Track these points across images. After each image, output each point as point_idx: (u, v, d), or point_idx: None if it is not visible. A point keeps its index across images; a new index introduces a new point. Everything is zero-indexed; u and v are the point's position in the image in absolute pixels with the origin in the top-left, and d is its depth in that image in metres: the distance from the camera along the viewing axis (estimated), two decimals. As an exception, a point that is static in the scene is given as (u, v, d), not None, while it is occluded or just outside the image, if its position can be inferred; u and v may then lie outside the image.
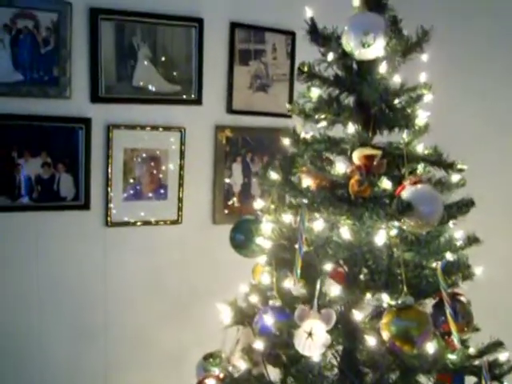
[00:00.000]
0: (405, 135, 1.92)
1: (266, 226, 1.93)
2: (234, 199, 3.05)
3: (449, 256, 1.91)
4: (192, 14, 2.85)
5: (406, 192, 1.65)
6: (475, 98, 3.05)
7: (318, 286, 1.72)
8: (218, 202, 3.01)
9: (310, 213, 1.75)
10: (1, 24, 2.46)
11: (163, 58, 2.82)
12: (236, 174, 3.04)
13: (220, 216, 3.01)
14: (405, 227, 1.68)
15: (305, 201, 1.80)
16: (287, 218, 1.90)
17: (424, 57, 1.94)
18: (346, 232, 1.81)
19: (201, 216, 3.01)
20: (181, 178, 2.90)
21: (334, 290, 1.77)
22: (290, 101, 3.13)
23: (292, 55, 3.12)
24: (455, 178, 1.95)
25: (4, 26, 2.47)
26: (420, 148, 1.96)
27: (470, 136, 2.98)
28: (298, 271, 1.70)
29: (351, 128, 1.80)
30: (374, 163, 1.78)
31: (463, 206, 1.83)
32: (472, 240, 1.93)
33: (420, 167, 1.98)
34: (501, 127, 3.01)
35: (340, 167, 1.81)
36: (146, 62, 2.79)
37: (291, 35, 3.09)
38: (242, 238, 2.00)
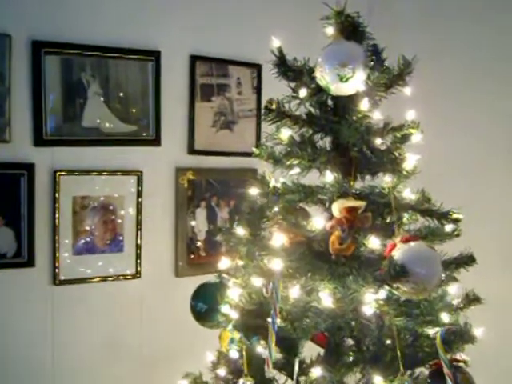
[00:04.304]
0: (388, 179, 1.67)
1: (233, 292, 1.64)
2: (199, 248, 2.76)
3: (445, 317, 1.65)
4: (148, 46, 2.61)
5: (399, 252, 1.39)
6: (460, 132, 2.83)
7: (296, 367, 1.42)
8: (180, 253, 2.72)
9: (284, 279, 1.46)
10: None
11: (116, 95, 2.55)
12: (200, 220, 2.76)
13: (183, 268, 2.73)
14: (398, 293, 1.41)
15: (278, 263, 1.52)
16: (257, 281, 1.61)
17: (407, 90, 1.70)
18: (327, 298, 1.53)
19: (162, 268, 2.72)
20: (138, 227, 2.61)
21: (316, 370, 1.48)
22: (258, 138, 2.89)
23: (258, 89, 2.89)
24: (449, 227, 1.70)
25: None
26: (407, 194, 1.71)
27: (457, 174, 2.76)
28: (272, 351, 1.40)
29: (329, 175, 1.54)
30: (358, 216, 1.51)
31: (463, 264, 1.58)
32: (472, 299, 1.67)
33: (406, 215, 1.73)
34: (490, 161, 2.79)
35: (317, 221, 1.54)
36: (96, 100, 2.51)
37: (257, 68, 2.85)
38: (204, 308, 1.70)
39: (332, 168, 1.58)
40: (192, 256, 2.75)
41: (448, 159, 2.74)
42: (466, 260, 1.60)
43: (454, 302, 1.70)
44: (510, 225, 2.68)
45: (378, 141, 1.60)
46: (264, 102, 2.78)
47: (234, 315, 1.64)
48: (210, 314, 1.69)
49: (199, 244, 2.77)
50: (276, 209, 1.65)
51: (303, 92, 1.58)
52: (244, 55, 2.83)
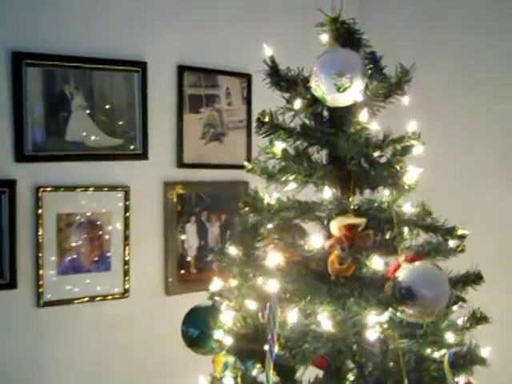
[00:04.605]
0: (387, 193, 1.59)
1: (227, 316, 1.54)
2: (190, 265, 2.66)
3: (450, 337, 1.57)
4: (134, 57, 2.53)
5: (403, 273, 1.30)
6: (458, 138, 2.75)
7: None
8: (170, 270, 2.62)
9: (281, 303, 1.37)
10: None
11: (101, 108, 2.46)
12: (190, 236, 2.67)
13: (174, 285, 2.62)
14: (403, 317, 1.32)
15: (273, 284, 1.43)
16: (252, 304, 1.52)
17: (405, 100, 1.61)
18: (326, 321, 1.44)
19: (151, 287, 2.62)
20: (126, 244, 2.51)
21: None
22: (249, 150, 2.80)
23: (248, 100, 2.80)
24: (452, 242, 1.62)
25: None
26: (407, 208, 1.63)
27: (457, 182, 2.68)
28: (270, 381, 1.31)
29: (327, 191, 1.45)
30: (358, 234, 1.42)
31: (470, 282, 1.49)
32: (479, 318, 1.58)
33: (407, 230, 1.65)
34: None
35: (315, 240, 1.45)
36: (81, 113, 2.41)
37: (247, 78, 2.77)
38: (196, 333, 1.60)
39: (329, 183, 1.49)
40: (182, 273, 2.65)
41: (447, 168, 2.66)
42: (474, 278, 1.51)
43: (460, 322, 1.61)
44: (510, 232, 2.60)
45: (377, 153, 1.51)
46: (254, 113, 2.77)
47: (228, 340, 1.54)
48: (203, 340, 1.59)
49: (190, 260, 2.67)
50: (270, 226, 1.56)
51: (298, 103, 1.49)
52: (233, 65, 2.75)
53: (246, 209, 1.54)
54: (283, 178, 1.48)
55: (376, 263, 1.37)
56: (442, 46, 2.80)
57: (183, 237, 2.65)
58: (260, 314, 1.41)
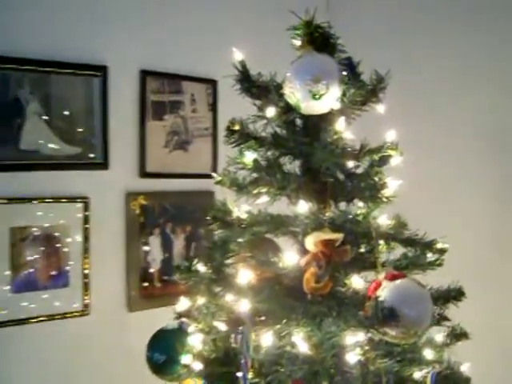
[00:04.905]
0: (362, 205, 1.52)
1: (195, 339, 1.43)
2: (154, 279, 2.54)
3: (429, 354, 1.50)
4: (93, 60, 2.40)
5: (385, 292, 1.22)
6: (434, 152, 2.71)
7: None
8: (133, 285, 2.49)
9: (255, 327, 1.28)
10: None
11: (59, 114, 2.32)
12: (154, 248, 2.55)
13: (136, 301, 2.50)
14: (385, 338, 1.24)
15: (245, 305, 1.33)
16: (222, 326, 1.42)
17: (380, 108, 1.54)
18: (302, 342, 1.35)
19: (113, 303, 2.48)
20: (85, 258, 2.38)
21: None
22: (215, 159, 2.70)
23: (214, 107, 2.70)
24: (430, 256, 1.55)
25: None
26: (383, 220, 1.56)
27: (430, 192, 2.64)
28: (244, 410, 1.21)
29: (303, 204, 1.36)
30: (335, 250, 1.34)
31: (451, 298, 1.42)
32: (459, 334, 1.51)
33: (382, 243, 1.57)
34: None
35: (290, 257, 1.36)
36: (36, 120, 2.27)
37: (212, 84, 2.67)
38: (162, 359, 1.48)
39: (304, 196, 1.40)
40: (146, 287, 2.52)
41: (423, 180, 2.60)
42: (455, 294, 1.44)
43: (439, 338, 1.55)
44: (485, 243, 2.57)
45: (353, 164, 1.44)
46: (220, 120, 2.68)
47: (197, 366, 1.43)
48: (169, 366, 1.47)
49: (153, 274, 2.54)
50: (241, 240, 1.46)
51: (270, 111, 1.40)
52: (198, 70, 2.65)
53: (215, 223, 1.44)
54: (255, 191, 1.39)
55: (355, 281, 1.28)
56: (418, 52, 2.77)
57: (146, 248, 2.53)
58: (232, 339, 1.31)
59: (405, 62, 2.72)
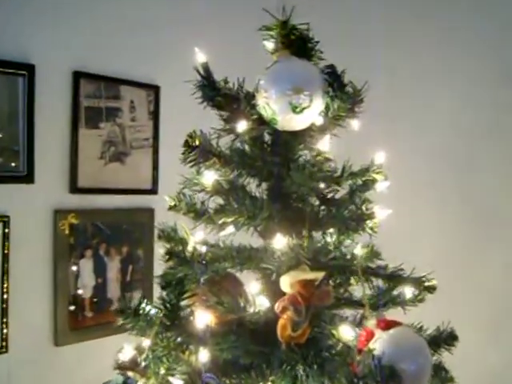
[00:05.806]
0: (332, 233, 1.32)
1: (144, 400, 1.18)
2: (85, 308, 2.25)
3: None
4: (18, 58, 2.11)
5: (380, 345, 1.02)
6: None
7: None
8: (60, 315, 2.20)
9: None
10: None
11: (-25, 119, 2.00)
12: (85, 273, 2.26)
13: (64, 334, 2.21)
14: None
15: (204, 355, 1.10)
16: (177, 381, 1.18)
17: (355, 124, 1.35)
18: (274, 402, 1.13)
19: (36, 337, 2.18)
20: (4, 286, 2.05)
21: None
22: (155, 173, 2.44)
23: (156, 115, 2.45)
24: (409, 291, 1.37)
25: None
26: (358, 251, 1.37)
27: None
28: None
29: (279, 240, 1.13)
30: (315, 292, 1.13)
31: (442, 342, 1.25)
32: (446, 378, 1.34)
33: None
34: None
35: (262, 301, 1.14)
36: None
37: (154, 90, 2.41)
38: (103, 425, 1.22)
39: (277, 226, 1.18)
40: (75, 318, 2.23)
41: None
42: (446, 338, 1.27)
43: None
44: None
45: (332, 188, 1.24)
46: (162, 130, 2.43)
47: (146, 432, 1.18)
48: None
49: (84, 302, 2.25)
50: (201, 280, 1.22)
51: (241, 125, 1.17)
52: (139, 74, 2.38)
53: (171, 260, 1.19)
54: (221, 221, 1.16)
55: (343, 332, 1.07)
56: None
57: (76, 273, 2.23)
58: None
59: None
